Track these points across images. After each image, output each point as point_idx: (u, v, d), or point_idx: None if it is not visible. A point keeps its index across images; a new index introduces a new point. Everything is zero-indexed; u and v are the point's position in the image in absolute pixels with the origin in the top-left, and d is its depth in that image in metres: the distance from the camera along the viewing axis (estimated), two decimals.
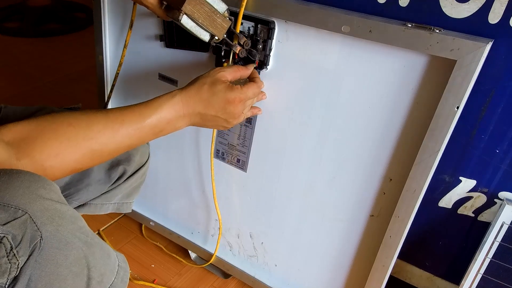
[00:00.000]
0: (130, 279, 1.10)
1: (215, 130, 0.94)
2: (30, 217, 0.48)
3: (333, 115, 0.80)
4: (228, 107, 0.71)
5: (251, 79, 0.79)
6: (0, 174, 0.49)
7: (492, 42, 0.63)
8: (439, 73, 0.67)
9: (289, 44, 0.79)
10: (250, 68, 0.79)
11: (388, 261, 0.83)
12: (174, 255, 1.18)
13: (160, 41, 0.93)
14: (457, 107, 0.66)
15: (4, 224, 0.46)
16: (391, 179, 0.79)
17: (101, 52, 1.03)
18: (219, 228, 1.05)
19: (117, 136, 0.64)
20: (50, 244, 0.50)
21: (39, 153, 0.57)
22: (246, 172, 0.96)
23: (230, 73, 0.74)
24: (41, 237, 0.49)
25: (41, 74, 2.02)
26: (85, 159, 0.62)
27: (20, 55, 2.20)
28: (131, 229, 1.26)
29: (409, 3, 0.72)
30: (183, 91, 0.70)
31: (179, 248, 1.19)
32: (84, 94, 1.90)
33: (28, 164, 0.56)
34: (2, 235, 0.46)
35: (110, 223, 1.27)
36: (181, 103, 0.69)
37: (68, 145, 0.59)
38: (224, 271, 1.12)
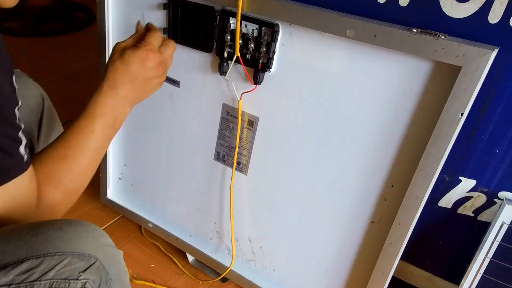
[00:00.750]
0: (130, 278, 1.10)
1: (217, 133, 0.93)
2: (101, 263, 0.55)
3: (335, 119, 0.79)
4: (146, 63, 0.72)
5: (149, 32, 0.77)
6: (66, 226, 0.55)
7: (497, 49, 0.63)
8: (444, 79, 0.67)
9: (293, 47, 0.78)
10: (139, 27, 0.79)
11: (388, 269, 0.82)
12: (172, 257, 1.17)
13: (164, 33, 0.93)
14: (461, 114, 0.65)
15: (84, 271, 0.54)
16: (392, 185, 0.79)
17: (103, 51, 1.02)
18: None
19: (83, 145, 0.68)
20: (115, 285, 0.58)
21: (41, 184, 0.63)
22: (246, 175, 0.95)
23: (131, 40, 0.75)
24: (111, 279, 0.57)
25: (41, 74, 2.02)
26: (71, 176, 0.67)
27: (20, 55, 2.20)
28: (131, 229, 1.25)
29: (409, 3, 0.72)
30: (104, 78, 0.72)
31: (178, 249, 1.18)
32: (84, 94, 1.89)
33: (44, 200, 0.63)
34: (85, 280, 0.54)
35: (110, 223, 1.26)
36: (108, 87, 0.71)
37: (51, 166, 0.65)
38: (221, 275, 1.11)
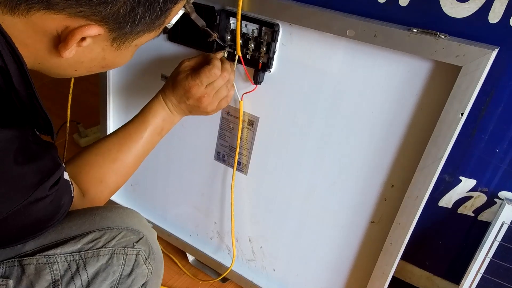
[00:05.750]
0: None
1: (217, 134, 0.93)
2: (147, 238, 0.67)
3: (335, 119, 0.79)
4: (188, 94, 0.77)
5: (210, 61, 0.78)
6: (115, 209, 0.67)
7: (497, 49, 0.63)
8: (444, 79, 0.67)
9: (293, 47, 0.78)
10: (218, 54, 0.81)
11: (388, 268, 0.82)
12: (172, 257, 1.17)
13: (164, 33, 0.92)
14: (462, 114, 0.65)
15: (137, 242, 0.65)
16: (392, 185, 0.79)
17: None
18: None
19: (132, 149, 0.76)
20: (157, 259, 0.70)
21: (90, 186, 0.72)
22: (246, 175, 0.95)
23: (194, 61, 0.79)
24: (154, 253, 0.68)
25: (41, 74, 2.01)
26: (118, 177, 0.76)
27: None
28: None
29: (409, 2, 0.72)
30: (162, 90, 0.80)
31: (178, 249, 1.18)
32: (85, 94, 1.89)
33: (89, 197, 0.72)
34: (138, 249, 0.65)
35: None
36: (163, 100, 0.79)
37: (101, 171, 0.74)
38: (222, 275, 1.11)
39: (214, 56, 0.79)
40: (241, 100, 0.87)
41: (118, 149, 0.75)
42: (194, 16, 0.78)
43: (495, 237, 0.85)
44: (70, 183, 0.61)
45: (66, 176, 0.59)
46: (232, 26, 0.82)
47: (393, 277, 0.86)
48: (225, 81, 0.78)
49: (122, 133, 0.77)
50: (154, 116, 0.78)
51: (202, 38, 0.87)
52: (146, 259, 0.66)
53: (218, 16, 0.82)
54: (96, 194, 0.73)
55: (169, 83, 0.79)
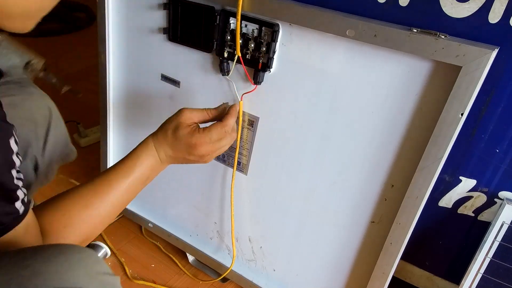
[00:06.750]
0: (130, 278, 1.10)
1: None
2: None
3: (335, 119, 0.79)
4: (192, 151, 0.73)
5: (223, 116, 0.77)
6: (56, 256, 0.50)
7: (497, 49, 0.63)
8: (444, 79, 0.67)
9: (293, 47, 0.78)
10: (221, 109, 0.78)
11: (388, 269, 0.82)
12: (172, 257, 1.17)
13: (164, 33, 0.92)
14: (462, 114, 0.65)
15: None
16: (393, 185, 0.79)
17: (103, 51, 1.02)
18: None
19: (110, 197, 0.68)
20: None
21: (51, 229, 0.62)
22: (246, 175, 0.95)
23: (197, 115, 0.75)
24: None
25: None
26: (89, 226, 0.67)
27: None
28: (131, 229, 1.25)
29: (409, 2, 0.72)
30: (154, 136, 0.74)
31: (178, 249, 1.18)
32: (85, 94, 1.88)
33: (50, 241, 0.62)
34: None
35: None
36: (154, 149, 0.73)
37: (68, 215, 0.64)
38: (222, 275, 1.11)
39: (230, 115, 0.77)
40: (241, 100, 0.87)
41: (93, 195, 0.67)
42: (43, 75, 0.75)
43: (495, 237, 0.85)
44: (20, 214, 0.53)
45: (18, 205, 0.52)
46: (232, 26, 0.82)
47: (393, 277, 0.86)
48: (233, 140, 0.77)
49: (101, 179, 0.68)
50: (141, 165, 0.71)
51: (202, 38, 0.87)
52: None
53: (218, 16, 0.82)
54: (58, 240, 0.63)
55: (166, 132, 0.73)
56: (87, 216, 0.66)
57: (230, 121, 0.76)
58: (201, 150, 0.73)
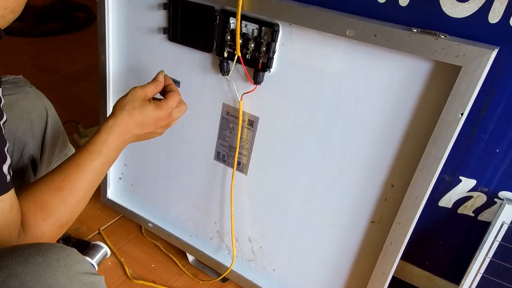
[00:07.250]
0: (130, 278, 1.09)
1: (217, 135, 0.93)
2: None
3: (335, 119, 0.79)
4: (159, 123, 0.77)
5: (167, 87, 0.81)
6: (34, 256, 0.49)
7: (497, 49, 0.63)
8: (444, 79, 0.67)
9: (293, 47, 0.78)
10: (161, 77, 0.81)
11: (388, 269, 0.82)
12: (172, 257, 1.17)
13: (164, 33, 0.92)
14: (461, 114, 0.65)
15: None
16: (392, 185, 0.79)
17: (103, 51, 1.02)
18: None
19: (81, 179, 0.68)
20: None
21: (29, 212, 0.62)
22: (246, 175, 0.95)
23: (150, 91, 0.78)
24: None
25: (41, 74, 2.02)
26: (67, 208, 0.67)
27: (20, 55, 2.20)
28: (131, 229, 1.25)
29: (409, 2, 0.72)
30: (117, 119, 0.74)
31: (178, 249, 1.18)
32: (84, 94, 1.89)
33: (29, 229, 0.62)
34: None
35: (110, 223, 1.26)
36: (119, 131, 0.73)
37: (43, 197, 0.65)
38: (222, 275, 1.11)
39: (168, 79, 0.81)
40: (241, 100, 0.87)
41: (64, 178, 0.67)
42: None
43: (495, 237, 0.85)
44: (8, 181, 0.53)
45: (5, 169, 0.53)
46: (232, 26, 0.82)
47: (393, 277, 0.86)
48: (182, 113, 0.81)
49: (68, 164, 0.69)
50: (108, 147, 0.72)
51: (202, 38, 0.87)
52: None
53: (218, 16, 0.82)
54: (37, 222, 0.62)
55: (131, 113, 0.74)
56: (61, 199, 0.66)
57: (175, 88, 0.81)
58: (168, 120, 0.78)
